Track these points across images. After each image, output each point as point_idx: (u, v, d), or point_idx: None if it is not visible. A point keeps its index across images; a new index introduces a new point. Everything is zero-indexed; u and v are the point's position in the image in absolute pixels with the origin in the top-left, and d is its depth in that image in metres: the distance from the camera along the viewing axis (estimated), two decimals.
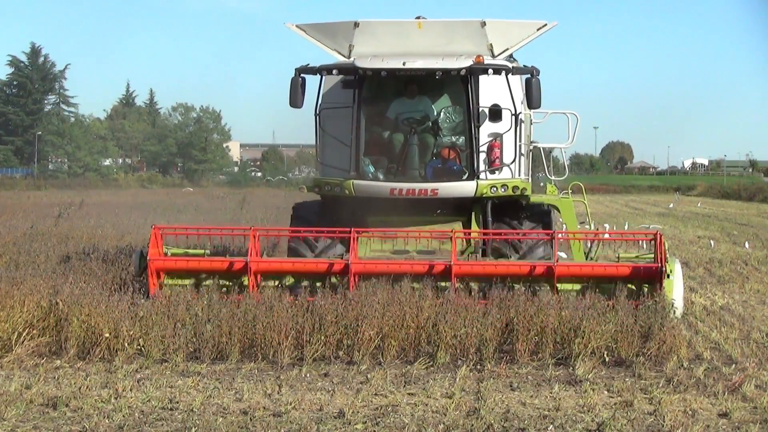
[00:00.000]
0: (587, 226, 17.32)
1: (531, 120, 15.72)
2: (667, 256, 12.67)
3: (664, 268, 12.40)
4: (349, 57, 14.55)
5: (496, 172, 14.30)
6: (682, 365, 10.91)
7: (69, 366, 10.83)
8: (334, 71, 14.22)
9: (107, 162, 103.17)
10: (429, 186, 13.93)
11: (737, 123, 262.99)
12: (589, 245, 15.68)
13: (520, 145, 14.51)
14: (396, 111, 14.55)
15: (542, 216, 14.92)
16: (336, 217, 14.41)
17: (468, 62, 13.78)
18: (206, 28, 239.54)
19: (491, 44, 14.54)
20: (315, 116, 14.53)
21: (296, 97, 14.12)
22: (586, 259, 14.80)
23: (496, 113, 14.32)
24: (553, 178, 16.80)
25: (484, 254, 13.81)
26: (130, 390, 9.67)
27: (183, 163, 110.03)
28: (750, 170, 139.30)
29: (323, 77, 14.35)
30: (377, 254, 13.86)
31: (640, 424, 8.70)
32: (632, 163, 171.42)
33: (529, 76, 13.85)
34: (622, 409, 9.14)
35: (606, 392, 9.86)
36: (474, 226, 14.36)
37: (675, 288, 12.69)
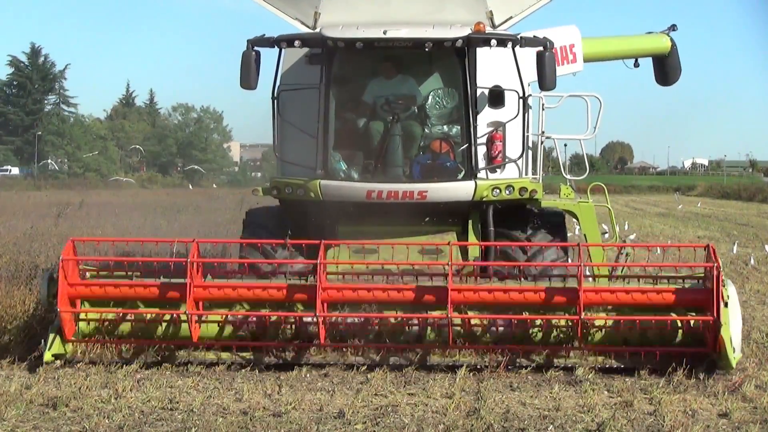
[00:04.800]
0: (606, 235, 14.61)
1: (542, 105, 13.01)
2: (723, 277, 10.26)
3: (720, 293, 10.11)
4: (314, 28, 12.18)
5: (499, 170, 11.99)
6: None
7: (69, 366, 10.81)
8: (296, 43, 11.54)
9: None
10: (415, 187, 11.52)
11: (737, 123, 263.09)
12: (615, 258, 13.21)
13: (528, 136, 12.23)
14: (374, 93, 12.05)
15: (557, 225, 12.56)
16: (299, 227, 12.03)
17: (465, 31, 11.30)
18: (206, 28, 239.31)
19: (491, 11, 12.24)
20: (272, 100, 11.94)
21: (248, 76, 11.46)
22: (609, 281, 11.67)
23: (497, 96, 11.85)
24: (569, 177, 14.33)
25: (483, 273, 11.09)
26: (130, 390, 9.66)
27: (183, 163, 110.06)
28: (750, 170, 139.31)
29: (282, 51, 11.74)
30: (350, 276, 10.96)
31: (640, 424, 8.69)
32: (632, 163, 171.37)
33: (541, 49, 11.32)
34: (622, 409, 9.13)
35: (606, 392, 9.84)
36: (471, 237, 11.99)
37: (732, 320, 10.22)
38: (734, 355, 10.17)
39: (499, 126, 11.93)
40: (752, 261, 20.73)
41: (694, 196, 71.88)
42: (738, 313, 10.39)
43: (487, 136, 11.91)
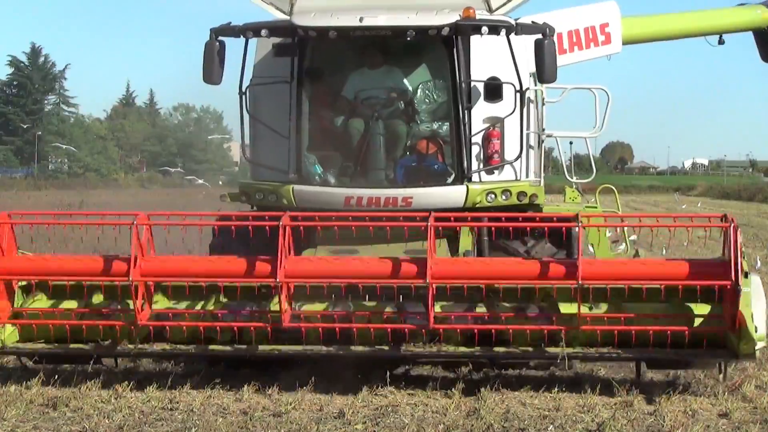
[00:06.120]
0: (621, 247, 13.23)
1: (543, 99, 11.75)
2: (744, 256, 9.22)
3: (739, 268, 9.04)
4: (291, 14, 10.95)
5: (495, 172, 10.85)
6: None
7: (69, 366, 10.81)
8: (263, 32, 10.41)
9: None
10: (399, 193, 10.41)
11: (737, 123, 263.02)
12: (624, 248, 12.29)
13: (528, 134, 11.02)
14: (355, 88, 10.96)
15: (562, 234, 10.61)
16: (274, 234, 9.93)
17: (453, 17, 10.20)
18: (207, 28, 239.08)
19: None
20: (239, 95, 10.91)
21: (211, 69, 10.50)
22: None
23: (494, 90, 10.71)
24: (575, 180, 12.89)
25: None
26: (130, 390, 9.65)
27: (183, 163, 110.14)
28: (750, 170, 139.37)
29: (248, 41, 10.62)
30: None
31: (640, 424, 8.69)
32: (632, 163, 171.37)
33: (540, 36, 10.18)
34: (622, 409, 9.13)
35: (606, 392, 9.84)
36: (464, 246, 10.70)
37: (755, 304, 9.19)
38: (757, 335, 9.11)
39: (495, 122, 10.83)
40: (758, 264, 20.59)
41: (694, 196, 71.91)
42: (761, 294, 9.35)
43: (482, 133, 10.83)
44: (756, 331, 9.09)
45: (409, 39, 10.27)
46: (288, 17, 10.90)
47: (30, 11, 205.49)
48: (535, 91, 11.46)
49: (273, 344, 9.79)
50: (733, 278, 9.07)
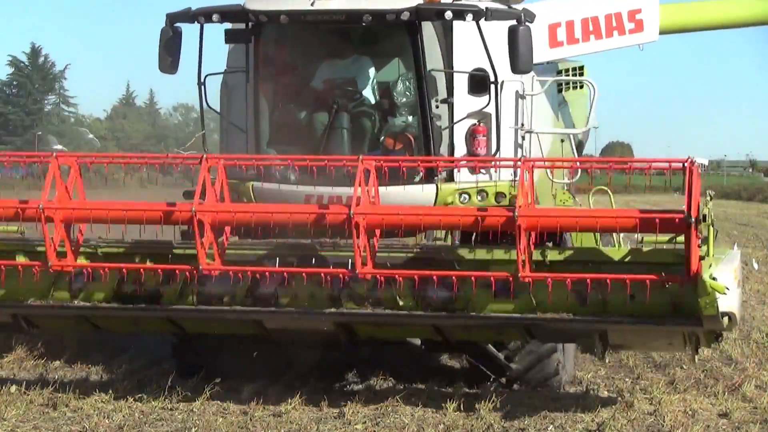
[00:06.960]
0: None
1: (523, 92, 10.37)
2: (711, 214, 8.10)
3: (695, 217, 7.92)
4: None
5: (483, 170, 9.84)
6: (682, 365, 10.91)
7: (69, 366, 10.82)
8: (215, 17, 9.70)
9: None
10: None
11: (737, 123, 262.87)
12: None
13: (516, 130, 10.13)
14: (316, 79, 10.26)
15: (549, 240, 9.13)
16: (246, 231, 9.41)
17: (414, 0, 9.37)
18: (206, 27, 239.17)
19: None
20: (198, 86, 10.27)
21: (166, 57, 9.92)
22: None
23: (480, 82, 9.77)
24: (565, 181, 11.60)
25: None
26: (130, 390, 9.65)
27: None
28: (750, 170, 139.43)
29: (203, 27, 9.92)
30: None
31: (640, 424, 8.69)
32: None
33: (513, 23, 9.31)
34: (622, 409, 9.13)
35: (606, 392, 9.85)
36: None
37: (724, 264, 8.09)
38: (714, 283, 7.87)
39: (481, 117, 9.92)
40: (756, 266, 20.57)
41: None
42: (735, 258, 8.37)
43: (467, 129, 9.95)
44: (716, 280, 7.85)
45: (365, 24, 9.49)
46: None
47: (30, 11, 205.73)
48: (514, 83, 10.16)
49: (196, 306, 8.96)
50: (686, 211, 8.01)
